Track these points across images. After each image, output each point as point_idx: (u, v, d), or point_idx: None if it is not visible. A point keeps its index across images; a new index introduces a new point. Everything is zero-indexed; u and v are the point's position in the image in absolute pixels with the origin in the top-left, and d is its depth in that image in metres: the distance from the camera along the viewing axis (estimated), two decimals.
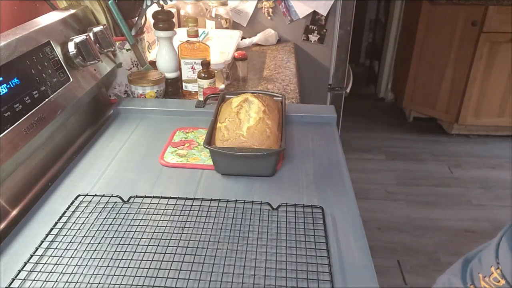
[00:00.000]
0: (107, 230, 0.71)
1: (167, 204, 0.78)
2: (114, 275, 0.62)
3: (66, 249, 0.67)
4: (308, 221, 0.74)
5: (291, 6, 1.86)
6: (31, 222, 0.74)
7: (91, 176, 0.87)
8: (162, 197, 0.79)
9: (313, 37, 1.92)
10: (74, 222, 0.73)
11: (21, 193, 0.82)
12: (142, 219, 0.74)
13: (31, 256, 0.65)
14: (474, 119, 3.05)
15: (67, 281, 0.61)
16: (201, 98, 1.20)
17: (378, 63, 3.81)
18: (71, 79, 0.96)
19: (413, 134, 3.25)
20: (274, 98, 1.04)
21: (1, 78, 0.75)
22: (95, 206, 0.77)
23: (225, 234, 0.71)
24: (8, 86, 0.76)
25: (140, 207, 0.77)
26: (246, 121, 0.89)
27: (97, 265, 0.64)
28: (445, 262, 2.05)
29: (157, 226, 0.72)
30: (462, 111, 3.01)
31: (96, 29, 1.05)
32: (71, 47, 0.96)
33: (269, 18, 1.89)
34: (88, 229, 0.72)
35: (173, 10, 1.70)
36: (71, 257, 0.66)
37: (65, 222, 0.73)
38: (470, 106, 2.99)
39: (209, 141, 0.88)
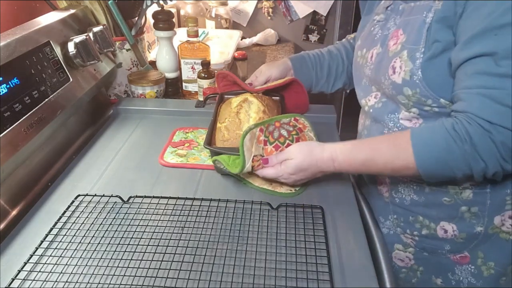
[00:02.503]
0: (107, 230, 0.71)
1: (167, 204, 0.78)
2: (114, 275, 0.62)
3: (65, 249, 0.67)
4: (308, 221, 0.74)
5: (291, 6, 1.86)
6: (31, 222, 0.74)
7: (91, 176, 0.87)
8: (162, 197, 0.79)
9: (313, 37, 1.92)
10: (74, 222, 0.73)
11: (21, 193, 0.82)
12: (142, 219, 0.74)
13: (31, 256, 0.65)
14: None
15: (67, 281, 0.61)
16: (201, 98, 1.20)
17: None
18: (71, 79, 0.96)
19: None
20: (273, 98, 1.04)
21: (1, 78, 0.75)
22: (95, 206, 0.77)
23: (225, 234, 0.71)
24: (8, 86, 0.76)
25: (140, 207, 0.77)
26: (246, 121, 0.89)
27: (97, 265, 0.64)
28: None
29: (157, 226, 0.72)
30: None
31: (96, 29, 1.05)
32: (71, 47, 0.96)
33: (269, 18, 1.89)
34: (88, 229, 0.72)
35: (173, 10, 1.70)
36: (70, 257, 0.66)
37: (65, 222, 0.73)
38: None
39: (210, 141, 0.88)
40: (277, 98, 1.04)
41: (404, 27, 0.76)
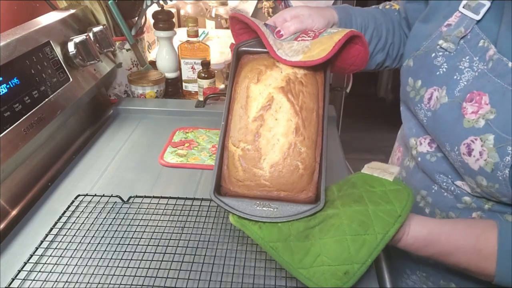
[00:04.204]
0: (107, 230, 0.71)
1: (167, 204, 0.78)
2: (114, 275, 0.62)
3: (65, 249, 0.67)
4: None
5: (291, 6, 1.86)
6: (31, 222, 0.74)
7: (91, 176, 0.87)
8: (162, 197, 0.79)
9: None
10: (74, 222, 0.73)
11: (21, 193, 0.82)
12: (142, 219, 0.74)
13: (31, 256, 0.65)
14: None
15: (66, 281, 0.61)
16: (201, 98, 1.20)
17: None
18: (71, 79, 0.96)
19: None
20: (314, 71, 0.65)
21: (1, 78, 0.75)
22: (95, 206, 0.77)
23: (225, 234, 0.71)
24: (8, 86, 0.76)
25: (140, 207, 0.77)
26: (269, 149, 0.58)
27: (97, 265, 0.64)
28: None
29: (157, 226, 0.72)
30: None
31: (96, 29, 1.05)
32: (71, 47, 0.96)
33: (269, 18, 1.88)
34: (88, 229, 0.72)
35: (173, 10, 1.70)
36: (70, 257, 0.66)
37: (65, 222, 0.73)
38: None
39: (220, 174, 0.61)
40: (320, 72, 0.66)
41: (493, 96, 0.57)
